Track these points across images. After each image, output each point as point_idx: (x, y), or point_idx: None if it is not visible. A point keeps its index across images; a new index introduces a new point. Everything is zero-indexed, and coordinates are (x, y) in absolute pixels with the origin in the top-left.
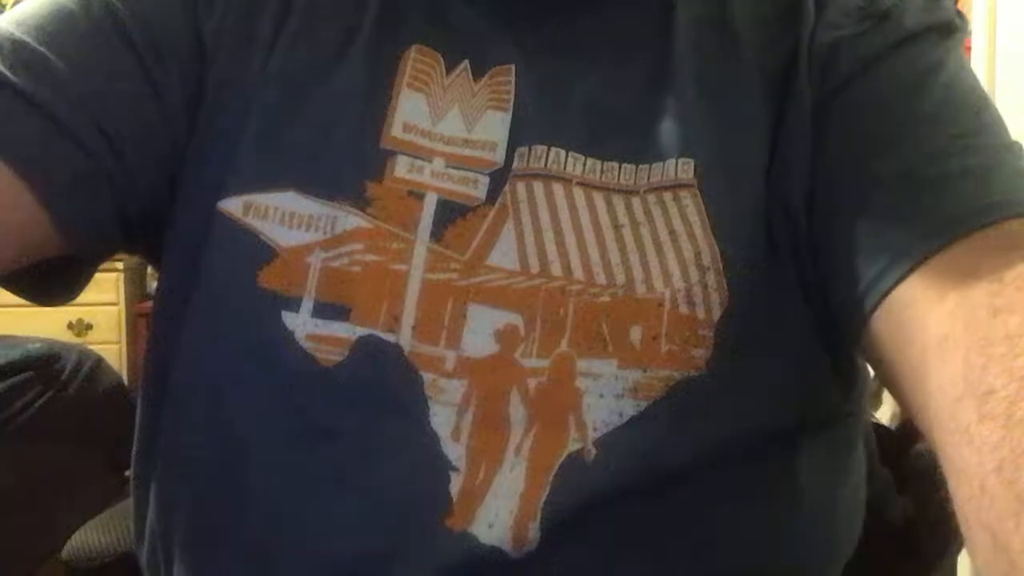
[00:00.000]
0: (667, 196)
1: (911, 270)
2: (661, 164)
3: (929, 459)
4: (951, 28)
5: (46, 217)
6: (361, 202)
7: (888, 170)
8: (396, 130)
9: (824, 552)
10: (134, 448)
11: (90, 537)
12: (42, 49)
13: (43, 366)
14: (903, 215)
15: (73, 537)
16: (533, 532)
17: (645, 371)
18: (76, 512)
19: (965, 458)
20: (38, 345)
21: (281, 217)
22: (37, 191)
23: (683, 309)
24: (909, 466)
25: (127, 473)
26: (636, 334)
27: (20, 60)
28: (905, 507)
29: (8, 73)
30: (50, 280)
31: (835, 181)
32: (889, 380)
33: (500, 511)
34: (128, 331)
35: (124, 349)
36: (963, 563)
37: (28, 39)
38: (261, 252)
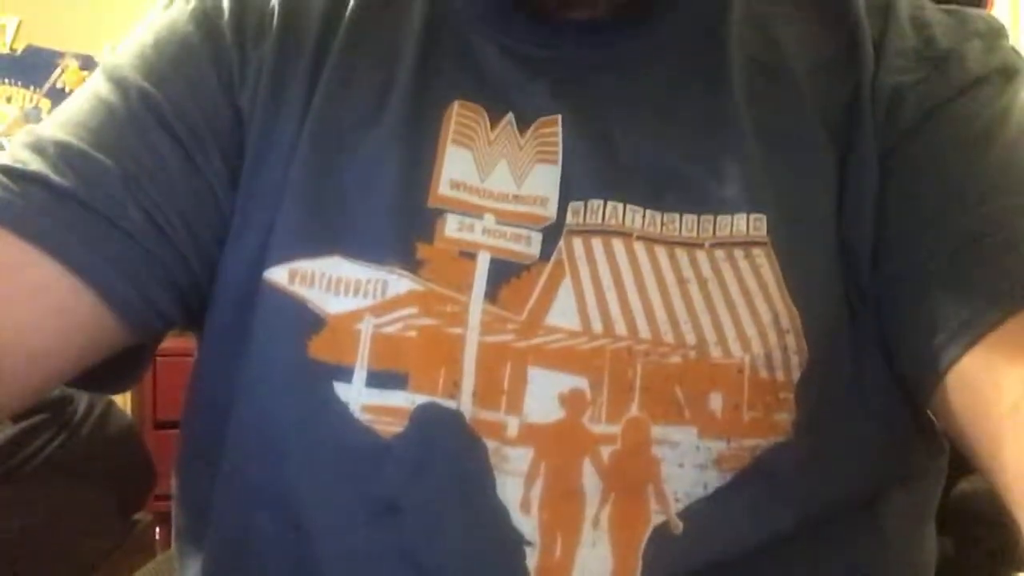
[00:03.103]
0: (738, 253)
1: (983, 335)
2: (728, 217)
3: (975, 501)
4: (1013, 71)
5: (108, 312)
6: (412, 264)
7: (957, 230)
8: (444, 188)
9: None
10: (177, 521)
11: None
12: (86, 148)
13: (57, 408)
14: (973, 278)
15: None
16: None
17: (729, 442)
18: (87, 554)
19: None
20: None
21: (328, 283)
22: (93, 286)
23: (763, 374)
24: (952, 506)
25: (136, 517)
26: (716, 402)
27: (64, 160)
28: (944, 548)
29: (53, 174)
30: (112, 368)
31: (900, 236)
32: (966, 447)
33: None
34: None
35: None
36: None
37: (71, 139)
38: (309, 321)
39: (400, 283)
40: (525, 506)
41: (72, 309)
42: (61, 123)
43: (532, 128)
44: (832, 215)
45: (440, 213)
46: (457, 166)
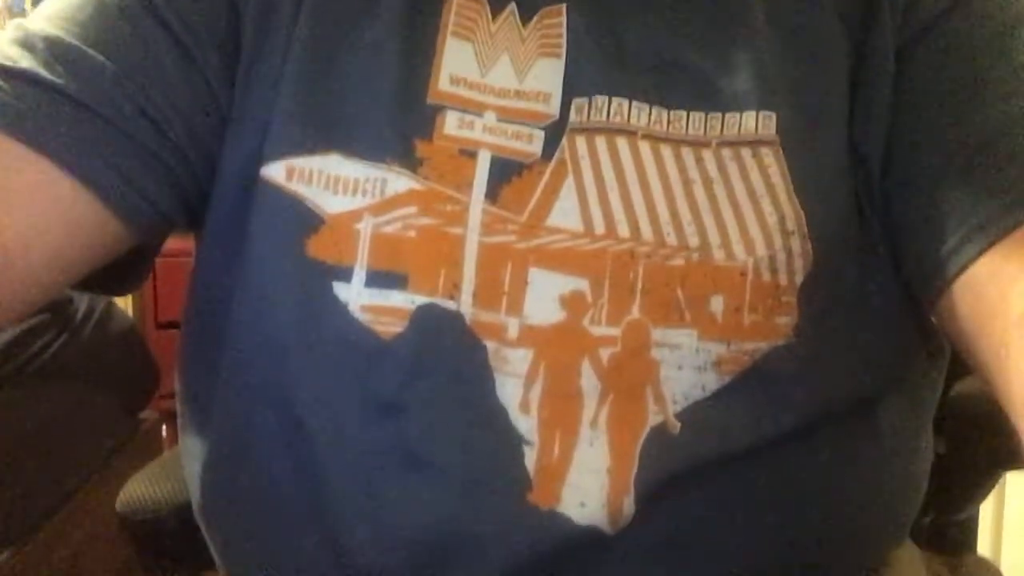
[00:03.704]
0: (745, 152)
1: (994, 242)
2: (737, 116)
3: (971, 402)
4: None
5: (107, 212)
6: (411, 162)
7: (973, 132)
8: (443, 83)
9: (908, 501)
10: (181, 419)
11: (144, 489)
12: (76, 42)
13: (57, 308)
14: (988, 182)
15: (125, 489)
16: (628, 507)
17: (729, 345)
18: (93, 453)
19: None
20: None
21: (326, 182)
22: (92, 187)
23: (765, 277)
24: (948, 406)
25: (141, 415)
26: (717, 304)
27: (55, 56)
28: (938, 447)
29: (45, 71)
30: (116, 270)
31: (916, 136)
32: (969, 354)
33: (590, 488)
34: None
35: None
36: (985, 511)
37: (61, 33)
38: (308, 220)
39: (399, 181)
40: (524, 406)
41: (71, 210)
42: (50, 16)
43: (535, 19)
44: (844, 114)
45: (440, 109)
46: (457, 60)
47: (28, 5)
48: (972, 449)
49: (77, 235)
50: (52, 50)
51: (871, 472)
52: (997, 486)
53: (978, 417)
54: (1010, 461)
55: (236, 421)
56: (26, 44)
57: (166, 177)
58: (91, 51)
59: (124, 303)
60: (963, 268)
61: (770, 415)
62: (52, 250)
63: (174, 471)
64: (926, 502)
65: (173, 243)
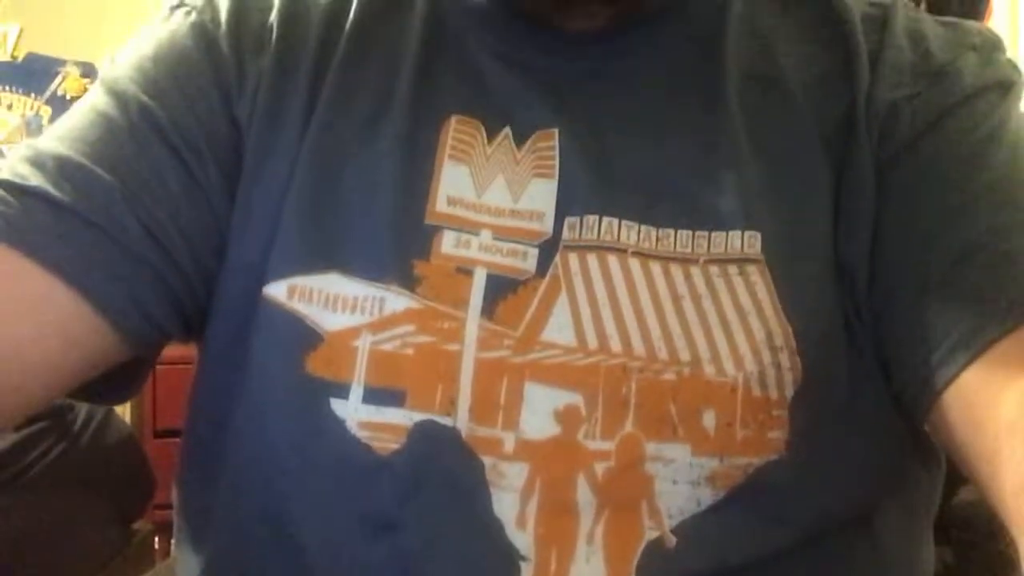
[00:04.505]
0: (732, 269)
1: (979, 353)
2: (723, 235)
3: (975, 510)
4: (1009, 84)
5: (107, 327)
6: (409, 282)
7: (953, 246)
8: (440, 205)
9: None
10: (177, 530)
11: None
12: (85, 162)
13: (57, 416)
14: (970, 295)
15: None
16: None
17: (722, 460)
18: (86, 562)
19: None
20: None
21: (326, 300)
22: (93, 301)
23: (756, 392)
24: (952, 514)
25: (135, 526)
26: (709, 420)
27: (64, 175)
28: (944, 556)
29: (53, 190)
30: (112, 379)
31: (898, 251)
32: (963, 462)
33: None
34: None
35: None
36: None
37: (70, 153)
38: (307, 337)
39: (398, 300)
40: (520, 521)
41: (71, 323)
42: (60, 136)
43: (529, 142)
44: (828, 232)
45: (437, 230)
46: (454, 182)
47: (45, 123)
48: (980, 557)
49: (74, 346)
50: (61, 169)
51: None
52: None
53: (984, 525)
54: (1018, 571)
55: (233, 536)
56: (36, 162)
57: (166, 294)
58: (99, 170)
59: (122, 410)
60: (951, 380)
61: (766, 529)
62: (47, 361)
63: None
64: None
65: (172, 351)
